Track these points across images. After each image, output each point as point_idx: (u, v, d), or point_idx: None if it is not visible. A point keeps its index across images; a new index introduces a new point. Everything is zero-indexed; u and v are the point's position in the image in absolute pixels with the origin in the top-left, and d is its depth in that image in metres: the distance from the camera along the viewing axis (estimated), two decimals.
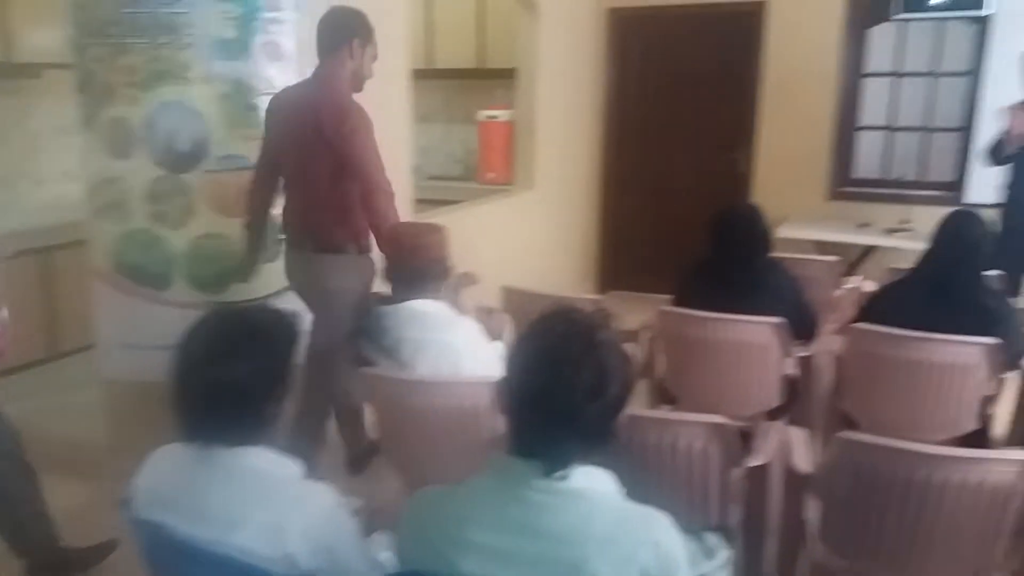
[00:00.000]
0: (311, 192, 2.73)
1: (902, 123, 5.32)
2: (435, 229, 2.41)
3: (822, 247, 5.00)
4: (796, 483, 2.09)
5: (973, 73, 5.00)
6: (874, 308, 2.68)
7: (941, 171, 5.14)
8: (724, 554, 1.77)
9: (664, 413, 2.13)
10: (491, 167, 5.42)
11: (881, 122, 5.36)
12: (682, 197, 5.85)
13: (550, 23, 5.12)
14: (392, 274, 2.37)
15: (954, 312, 2.48)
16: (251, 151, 2.91)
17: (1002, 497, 1.71)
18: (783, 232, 4.69)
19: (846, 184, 5.45)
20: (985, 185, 4.95)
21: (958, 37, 5.06)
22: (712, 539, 1.79)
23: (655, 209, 5.96)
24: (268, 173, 2.84)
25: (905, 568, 1.86)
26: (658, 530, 1.25)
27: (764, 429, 2.26)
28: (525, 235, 5.15)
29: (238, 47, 2.95)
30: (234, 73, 2.96)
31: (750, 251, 2.78)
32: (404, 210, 4.00)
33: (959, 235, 2.54)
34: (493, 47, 5.66)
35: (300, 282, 2.87)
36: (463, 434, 2.22)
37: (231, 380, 1.38)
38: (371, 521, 1.63)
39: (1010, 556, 1.83)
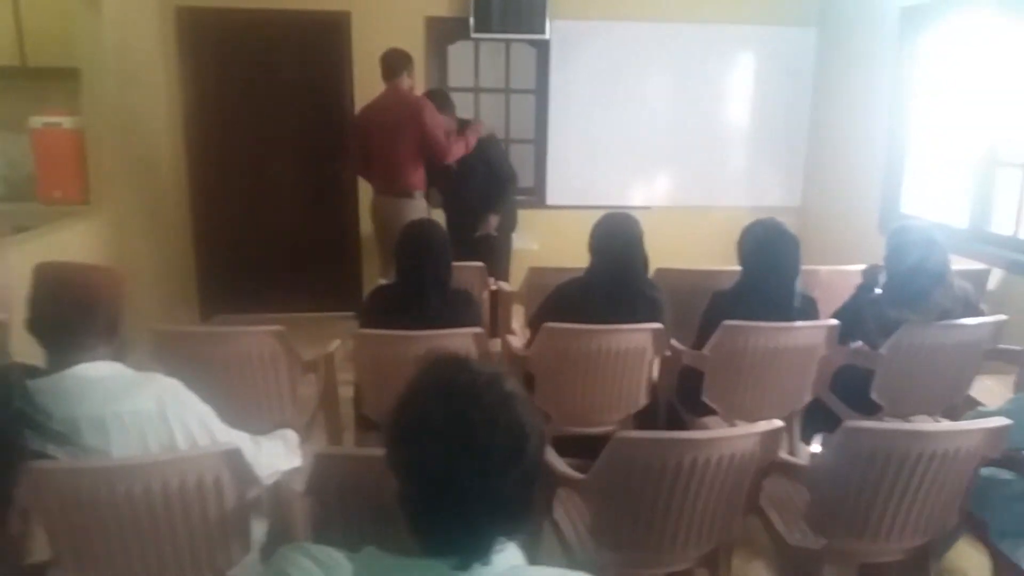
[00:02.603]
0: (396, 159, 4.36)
1: None
2: (100, 269, 1.86)
3: None
4: (554, 486, 2.10)
5: (539, 91, 5.64)
6: (555, 307, 2.82)
7: (523, 178, 5.68)
8: None
9: None
10: (56, 184, 4.44)
11: None
12: (285, 210, 5.59)
13: (114, 18, 4.41)
14: (43, 333, 1.76)
15: (630, 304, 2.75)
16: None
17: (746, 465, 1.93)
18: None
19: None
20: (558, 191, 5.71)
21: (523, 58, 5.66)
22: None
23: (257, 223, 5.57)
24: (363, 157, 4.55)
25: (670, 550, 1.98)
26: None
27: None
28: (114, 261, 4.35)
29: None
30: None
31: (442, 267, 2.72)
32: None
33: (621, 235, 2.80)
34: (35, 43, 4.66)
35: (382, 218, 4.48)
36: (186, 517, 1.77)
37: None
38: None
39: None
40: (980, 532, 2.34)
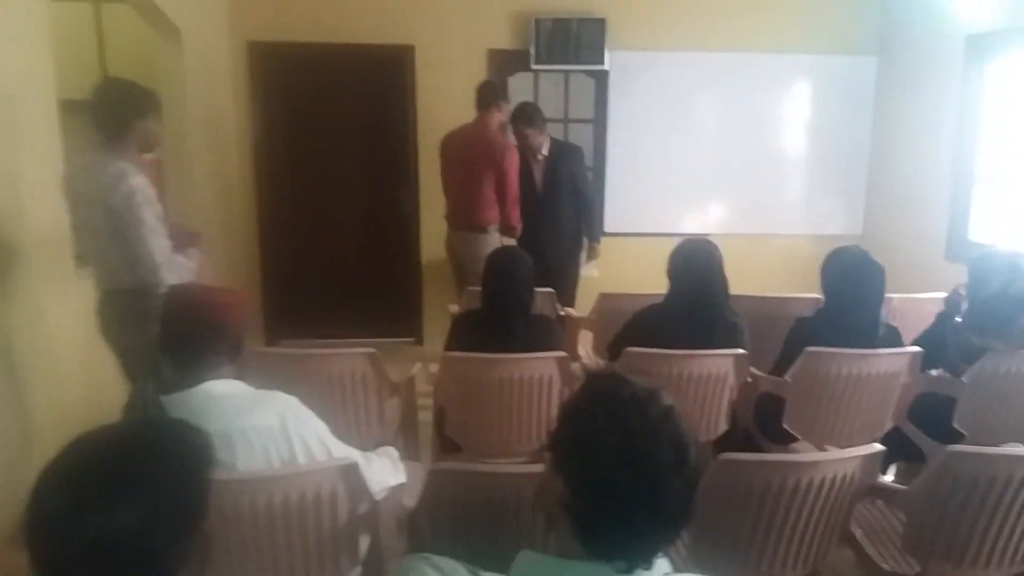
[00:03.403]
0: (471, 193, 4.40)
1: None
2: (231, 292, 1.97)
3: None
4: None
5: (598, 120, 5.73)
6: (636, 331, 2.87)
7: None
8: None
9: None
10: None
11: None
12: (349, 238, 5.73)
13: (192, 53, 4.61)
14: (174, 350, 1.86)
15: (708, 330, 2.78)
16: None
17: (845, 489, 1.94)
18: None
19: None
20: (617, 219, 5.77)
21: (582, 88, 5.75)
22: None
23: (321, 251, 5.71)
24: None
25: (767, 574, 2.00)
26: None
27: None
28: None
29: None
30: None
31: (526, 293, 2.78)
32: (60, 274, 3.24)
33: (700, 261, 2.84)
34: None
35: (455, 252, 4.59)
36: (302, 530, 1.84)
37: (113, 533, 0.95)
38: None
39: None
40: None
